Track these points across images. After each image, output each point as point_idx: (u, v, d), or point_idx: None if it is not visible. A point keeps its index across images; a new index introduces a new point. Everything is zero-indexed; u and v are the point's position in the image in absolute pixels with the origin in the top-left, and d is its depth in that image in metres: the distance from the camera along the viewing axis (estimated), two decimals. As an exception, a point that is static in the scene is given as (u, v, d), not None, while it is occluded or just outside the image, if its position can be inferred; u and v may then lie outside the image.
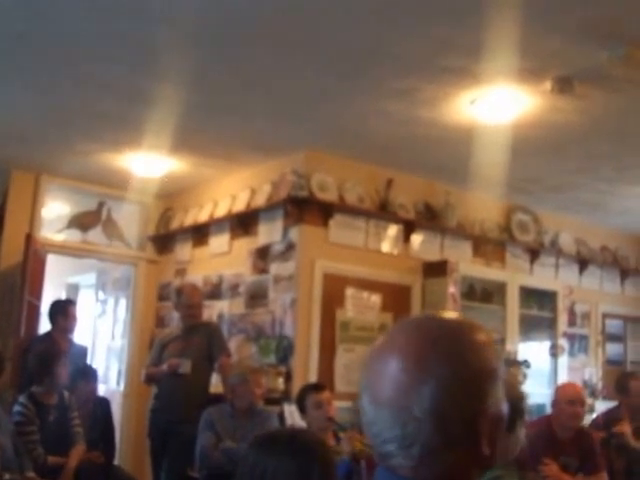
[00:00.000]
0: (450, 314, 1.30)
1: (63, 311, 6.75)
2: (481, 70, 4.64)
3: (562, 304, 7.68)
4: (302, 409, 5.10)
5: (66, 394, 5.48)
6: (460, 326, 1.24)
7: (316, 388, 5.25)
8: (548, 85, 4.72)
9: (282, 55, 4.63)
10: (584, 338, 8.30)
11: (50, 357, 5.42)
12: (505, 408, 1.21)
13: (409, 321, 1.28)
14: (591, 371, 8.23)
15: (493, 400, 1.18)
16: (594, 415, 7.15)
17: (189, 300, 6.17)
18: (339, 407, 5.35)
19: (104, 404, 6.29)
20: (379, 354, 1.22)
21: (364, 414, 1.21)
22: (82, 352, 7.15)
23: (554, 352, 7.54)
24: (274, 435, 2.41)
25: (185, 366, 5.87)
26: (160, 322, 8.03)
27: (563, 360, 7.63)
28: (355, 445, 4.76)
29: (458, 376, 1.15)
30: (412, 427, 1.13)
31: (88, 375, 6.16)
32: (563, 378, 7.58)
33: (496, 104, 5.11)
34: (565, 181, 6.90)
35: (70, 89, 5.38)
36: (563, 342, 7.65)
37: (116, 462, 6.49)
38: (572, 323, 8.10)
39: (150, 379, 6.27)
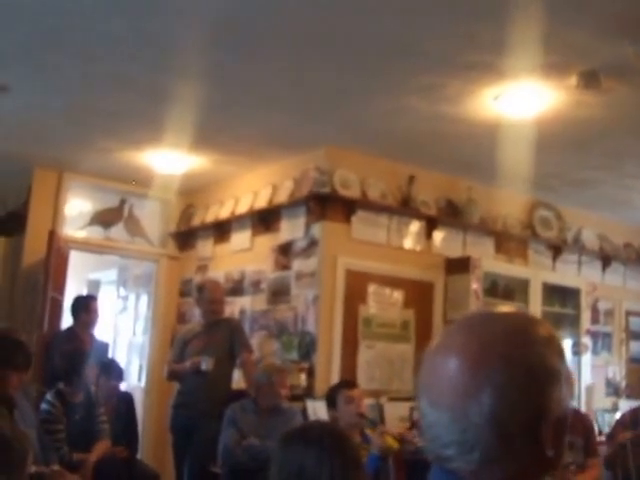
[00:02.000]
0: (507, 308, 1.27)
1: (85, 306, 6.79)
2: (505, 66, 4.61)
3: (585, 301, 7.62)
4: (332, 404, 5.14)
5: (92, 389, 5.51)
6: (518, 323, 1.20)
7: (348, 385, 5.32)
8: (573, 80, 4.68)
9: (305, 52, 4.62)
10: (607, 336, 8.23)
11: (78, 357, 5.47)
12: (569, 407, 1.18)
13: (465, 320, 1.25)
14: (614, 369, 8.17)
15: (556, 401, 1.14)
16: (618, 414, 7.11)
17: (211, 295, 6.17)
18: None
19: (127, 399, 6.32)
20: (436, 356, 1.20)
21: (423, 416, 1.18)
22: (103, 348, 7.18)
23: (577, 350, 7.48)
24: (302, 430, 2.41)
25: (207, 363, 5.87)
26: (181, 318, 8.05)
27: (586, 358, 7.57)
28: (386, 440, 4.77)
29: (516, 381, 1.12)
30: (471, 433, 1.11)
31: (110, 371, 6.18)
32: (586, 376, 7.54)
33: (520, 100, 5.08)
34: (588, 177, 6.85)
35: (92, 87, 5.41)
36: (586, 340, 7.59)
37: (138, 457, 6.50)
38: (595, 320, 8.02)
39: (173, 376, 6.28)
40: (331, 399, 5.23)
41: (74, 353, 5.58)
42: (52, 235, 7.04)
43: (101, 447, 5.33)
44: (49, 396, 5.31)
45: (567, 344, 7.51)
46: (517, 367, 1.13)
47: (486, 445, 1.11)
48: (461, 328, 1.23)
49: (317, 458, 2.17)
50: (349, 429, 4.62)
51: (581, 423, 5.22)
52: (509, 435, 1.11)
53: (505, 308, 1.28)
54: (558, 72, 4.64)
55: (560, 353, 1.19)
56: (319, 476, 2.14)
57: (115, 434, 5.64)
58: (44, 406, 5.23)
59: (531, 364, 1.14)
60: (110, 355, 7.58)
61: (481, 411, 1.10)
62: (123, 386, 6.78)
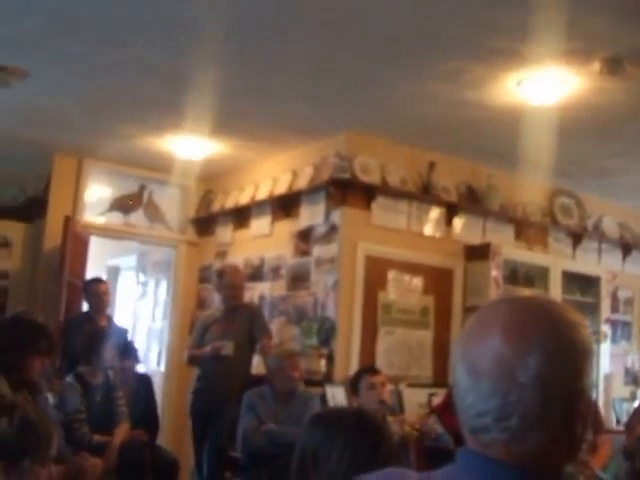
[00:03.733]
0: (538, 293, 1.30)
1: (87, 290, 6.79)
2: (528, 51, 4.58)
3: (605, 290, 7.57)
4: (355, 390, 5.16)
5: (111, 373, 5.54)
6: (556, 304, 1.23)
7: (372, 371, 5.33)
8: (597, 66, 4.64)
9: (326, 37, 4.61)
10: (627, 324, 8.18)
11: (96, 337, 5.50)
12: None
13: (506, 297, 1.28)
14: (633, 358, 8.13)
15: (588, 382, 1.17)
16: (636, 402, 7.09)
17: (232, 281, 6.19)
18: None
19: (146, 381, 6.36)
20: (478, 324, 1.22)
21: (458, 385, 1.20)
22: (122, 334, 7.21)
23: (596, 338, 7.43)
24: (340, 413, 2.41)
25: (227, 348, 5.91)
26: (201, 304, 8.07)
27: (605, 347, 7.53)
28: (404, 428, 4.78)
29: (562, 350, 1.15)
30: (515, 395, 1.12)
31: (123, 352, 6.19)
32: (605, 365, 7.50)
33: (543, 86, 5.04)
34: (610, 164, 6.80)
35: (112, 73, 5.41)
36: (606, 328, 7.55)
37: (157, 442, 6.52)
38: (615, 309, 7.98)
39: (193, 361, 6.33)
40: (354, 385, 5.25)
41: (92, 333, 5.62)
42: (68, 221, 7.07)
43: (122, 430, 5.36)
44: (68, 378, 5.35)
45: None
46: (564, 338, 1.16)
47: (526, 409, 1.12)
48: (502, 302, 1.25)
49: (339, 442, 2.17)
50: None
51: None
52: (550, 401, 1.13)
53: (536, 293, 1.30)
54: (581, 58, 4.60)
55: (592, 339, 1.22)
56: (339, 460, 2.14)
57: (135, 417, 5.66)
58: (63, 384, 5.27)
59: (575, 338, 1.17)
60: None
61: (527, 372, 1.12)
62: (141, 369, 6.83)
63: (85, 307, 7.02)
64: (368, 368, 5.53)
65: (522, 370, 1.12)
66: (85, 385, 5.30)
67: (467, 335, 1.22)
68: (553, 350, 1.14)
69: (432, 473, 1.25)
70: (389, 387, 5.58)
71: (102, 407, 5.33)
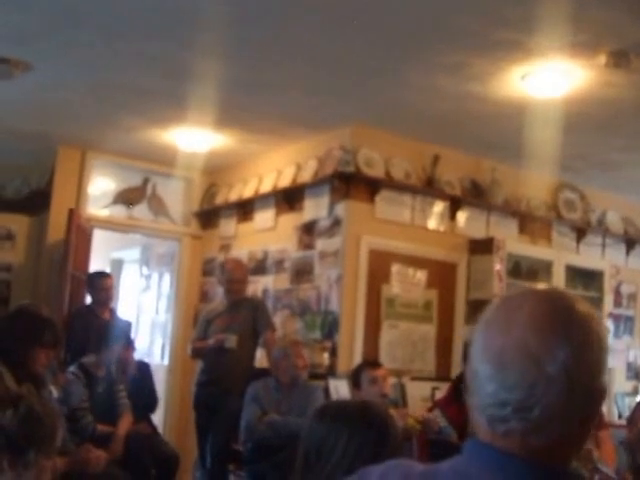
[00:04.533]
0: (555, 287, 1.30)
1: (93, 284, 6.79)
2: (533, 44, 4.56)
3: (608, 284, 7.57)
4: (357, 384, 5.17)
5: (113, 366, 5.54)
6: (579, 299, 1.23)
7: (373, 364, 5.35)
8: (602, 59, 4.62)
9: (330, 30, 4.60)
10: (630, 319, 8.18)
11: (105, 330, 5.52)
12: None
13: (529, 290, 1.27)
14: (636, 353, 8.12)
15: (605, 379, 1.18)
16: (639, 397, 7.09)
17: (231, 275, 6.20)
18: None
19: (144, 368, 6.35)
20: (502, 317, 1.21)
21: (477, 374, 1.19)
22: (127, 327, 7.20)
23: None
24: (345, 406, 2.41)
25: (231, 341, 5.92)
26: (204, 297, 8.08)
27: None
28: (407, 421, 4.79)
29: (589, 346, 1.15)
30: (541, 386, 1.12)
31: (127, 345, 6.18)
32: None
33: (548, 79, 5.02)
34: (615, 158, 6.78)
35: (116, 65, 5.41)
36: (608, 323, 7.55)
37: (160, 436, 6.51)
38: (618, 304, 7.98)
39: (197, 353, 6.34)
40: (355, 378, 5.25)
41: (101, 326, 5.63)
42: (72, 213, 7.06)
43: (125, 422, 5.37)
44: (72, 368, 5.36)
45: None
46: (592, 334, 1.17)
47: (550, 401, 1.12)
48: (527, 294, 1.24)
49: (345, 435, 2.17)
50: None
51: None
52: (574, 394, 1.13)
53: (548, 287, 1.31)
54: (587, 51, 4.59)
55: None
56: (344, 452, 2.14)
57: (137, 405, 5.65)
58: (68, 377, 5.28)
59: (601, 335, 1.18)
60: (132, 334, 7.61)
61: (555, 365, 1.13)
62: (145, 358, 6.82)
63: (88, 300, 7.03)
64: (369, 362, 5.54)
65: (550, 362, 1.12)
66: (88, 376, 5.31)
67: (489, 325, 1.22)
68: (581, 345, 1.14)
69: (438, 465, 1.25)
70: (391, 380, 5.59)
71: (104, 399, 5.33)
